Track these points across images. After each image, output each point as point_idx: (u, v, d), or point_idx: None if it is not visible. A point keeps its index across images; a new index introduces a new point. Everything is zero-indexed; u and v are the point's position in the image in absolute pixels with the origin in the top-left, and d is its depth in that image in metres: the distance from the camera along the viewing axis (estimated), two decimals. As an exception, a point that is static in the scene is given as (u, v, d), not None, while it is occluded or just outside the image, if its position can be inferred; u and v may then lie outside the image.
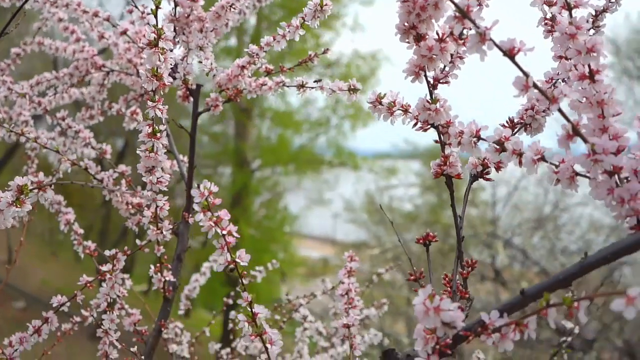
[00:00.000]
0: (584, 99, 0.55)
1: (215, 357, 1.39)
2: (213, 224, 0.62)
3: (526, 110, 0.69)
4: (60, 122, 1.12)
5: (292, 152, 14.14)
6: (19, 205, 0.67)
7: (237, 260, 0.63)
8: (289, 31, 0.88)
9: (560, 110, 0.52)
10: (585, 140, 0.51)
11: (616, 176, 0.53)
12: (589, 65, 0.54)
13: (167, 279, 0.97)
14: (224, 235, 0.62)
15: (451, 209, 0.66)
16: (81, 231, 1.06)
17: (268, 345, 0.64)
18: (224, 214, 0.63)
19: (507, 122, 0.69)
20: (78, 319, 1.11)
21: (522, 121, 0.69)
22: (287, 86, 0.95)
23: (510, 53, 0.51)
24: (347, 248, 1.58)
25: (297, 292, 1.83)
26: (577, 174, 0.54)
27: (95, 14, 1.11)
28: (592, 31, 0.72)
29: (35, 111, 1.18)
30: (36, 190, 0.67)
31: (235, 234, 0.63)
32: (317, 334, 1.38)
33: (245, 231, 10.60)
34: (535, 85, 0.51)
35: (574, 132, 0.52)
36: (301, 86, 0.94)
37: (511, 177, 6.96)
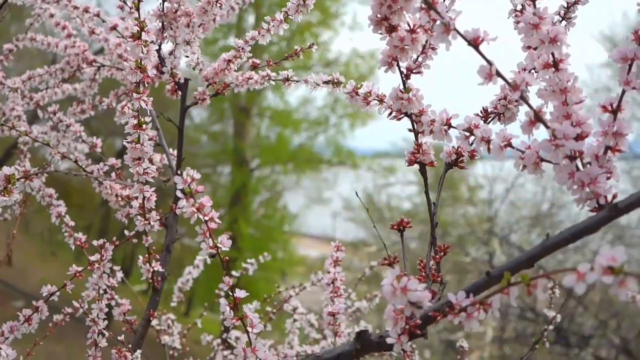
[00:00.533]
0: (549, 87, 0.57)
1: (209, 349, 1.41)
2: (195, 210, 0.64)
3: (499, 100, 0.71)
4: (52, 116, 1.14)
5: (291, 151, 14.16)
6: (6, 194, 0.69)
7: (219, 245, 0.65)
8: (272, 25, 0.90)
9: (522, 98, 0.54)
10: (546, 126, 0.53)
11: (579, 161, 0.55)
12: (553, 54, 0.56)
13: (155, 269, 0.99)
14: (206, 221, 0.65)
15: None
16: (72, 223, 1.08)
17: (249, 329, 0.67)
18: (206, 201, 0.65)
19: (481, 111, 0.71)
20: (69, 309, 1.13)
21: (495, 111, 0.71)
22: (273, 80, 0.97)
23: (474, 43, 0.53)
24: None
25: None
26: (542, 159, 0.56)
27: (86, 10, 1.13)
28: (563, 22, 0.74)
29: (28, 106, 1.20)
30: (23, 180, 0.69)
31: (217, 220, 0.65)
32: (308, 326, 1.40)
33: (245, 230, 10.63)
34: (498, 74, 0.53)
35: (536, 118, 0.54)
36: (286, 80, 0.96)
37: (509, 174, 6.98)
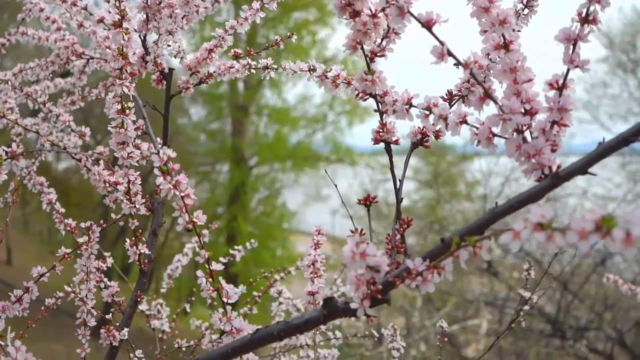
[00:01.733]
0: (500, 67, 0.60)
1: (198, 334, 1.45)
2: (172, 187, 0.68)
3: (463, 82, 0.74)
4: (42, 107, 1.18)
5: (290, 149, 14.18)
6: (-6, 175, 0.73)
7: (195, 220, 0.69)
8: (250, 14, 0.94)
9: (472, 75, 0.57)
10: (495, 102, 0.57)
11: (528, 133, 0.59)
12: (503, 36, 0.60)
13: (142, 251, 1.03)
14: (182, 197, 0.68)
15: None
16: (62, 210, 1.12)
17: (224, 299, 0.70)
18: (182, 178, 0.69)
19: (445, 94, 0.75)
20: (61, 294, 1.17)
21: (459, 93, 0.75)
22: (253, 68, 1.01)
23: (428, 25, 0.57)
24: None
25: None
26: (494, 134, 0.60)
27: (74, 4, 1.16)
28: (526, 10, 0.78)
29: (20, 99, 1.24)
30: (9, 160, 0.73)
31: (193, 197, 0.69)
32: (294, 310, 1.44)
33: (244, 228, 10.67)
34: (449, 53, 0.57)
35: (486, 95, 0.57)
36: (266, 68, 0.99)
37: (504, 169, 7.03)
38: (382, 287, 0.60)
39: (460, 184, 9.93)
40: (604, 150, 0.53)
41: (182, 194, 0.68)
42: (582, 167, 0.53)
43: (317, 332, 1.30)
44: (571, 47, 0.58)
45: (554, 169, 0.56)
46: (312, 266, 1.03)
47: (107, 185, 1.08)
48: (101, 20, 1.13)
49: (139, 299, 1.06)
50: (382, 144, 0.74)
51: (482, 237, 0.50)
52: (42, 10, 1.27)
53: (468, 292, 6.80)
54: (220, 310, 0.70)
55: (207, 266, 0.70)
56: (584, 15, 0.57)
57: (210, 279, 0.70)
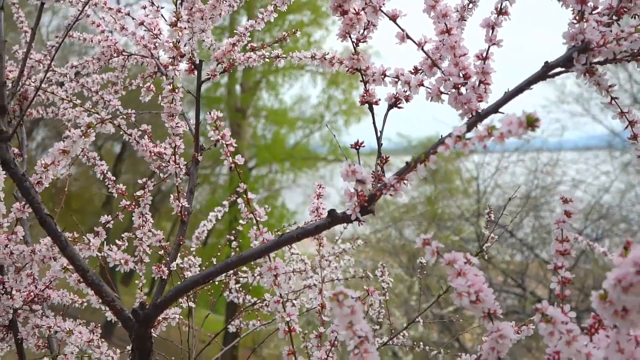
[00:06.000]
0: (443, 45, 0.88)
1: (221, 288, 1.72)
2: (220, 138, 0.96)
3: (426, 59, 1.02)
4: (94, 95, 1.46)
5: (288, 150, 14.42)
6: (86, 136, 1.01)
7: (236, 161, 0.97)
8: (266, 15, 1.22)
9: (423, 50, 0.85)
10: (439, 69, 0.85)
11: (464, 89, 0.87)
12: (446, 25, 0.88)
13: (183, 205, 1.31)
14: (227, 145, 0.96)
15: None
16: (113, 178, 1.39)
17: (258, 218, 0.98)
18: (227, 132, 0.97)
19: (413, 68, 1.03)
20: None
21: (422, 68, 1.03)
22: (267, 58, 1.29)
23: (393, 18, 0.85)
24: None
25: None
26: (441, 92, 0.88)
27: (118, 10, 1.44)
28: (470, 5, 1.06)
29: (75, 89, 1.52)
30: (100, 124, 1.00)
31: (234, 145, 0.97)
32: (302, 264, 1.72)
33: (244, 229, 10.92)
34: (408, 37, 0.85)
35: (433, 64, 0.86)
36: (277, 57, 1.28)
37: (494, 159, 7.33)
38: (367, 197, 0.87)
39: (457, 180, 10.24)
40: (511, 93, 0.81)
41: (227, 143, 0.96)
42: (495, 108, 0.81)
43: (324, 278, 1.58)
44: (490, 30, 0.86)
45: (480, 111, 0.84)
46: (315, 212, 1.31)
47: (152, 154, 1.36)
48: (141, 23, 1.41)
49: (181, 243, 1.33)
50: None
51: (431, 153, 0.78)
52: (88, 16, 1.55)
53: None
54: (254, 227, 0.98)
55: (245, 195, 0.98)
56: (499, 8, 0.86)
57: (247, 204, 0.98)
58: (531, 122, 0.63)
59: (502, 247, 7.22)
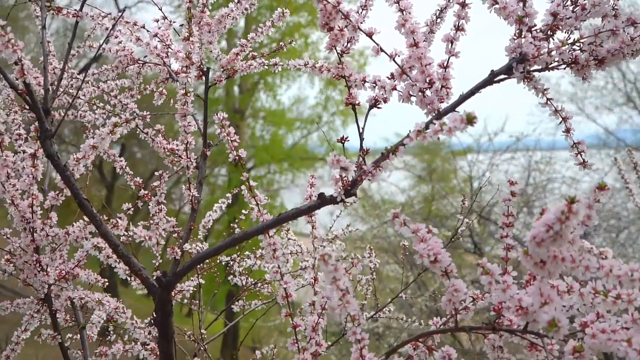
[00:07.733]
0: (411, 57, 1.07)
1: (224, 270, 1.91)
2: (226, 134, 1.14)
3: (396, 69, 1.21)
4: (113, 99, 1.64)
5: (286, 150, 14.59)
6: (113, 134, 1.19)
7: (239, 154, 1.16)
8: (264, 29, 1.41)
9: (395, 62, 1.04)
10: (408, 76, 1.04)
11: (429, 92, 1.06)
12: (413, 39, 1.07)
13: (194, 194, 1.49)
14: (232, 141, 1.15)
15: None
16: (131, 172, 1.58)
17: (258, 201, 1.17)
18: (232, 129, 1.15)
19: (390, 74, 1.22)
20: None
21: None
22: (267, 65, 1.48)
23: (369, 34, 1.04)
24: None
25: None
26: (410, 95, 1.07)
27: (135, 23, 1.63)
28: (438, 20, 1.25)
29: (95, 93, 1.71)
30: (125, 124, 1.19)
31: (238, 140, 1.15)
32: (300, 251, 1.90)
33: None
34: (382, 49, 1.03)
35: (402, 72, 1.05)
36: (275, 64, 1.47)
37: (485, 158, 7.52)
38: (350, 182, 1.06)
39: (454, 180, 10.44)
40: (465, 95, 0.99)
41: (232, 139, 1.15)
42: (452, 107, 1.00)
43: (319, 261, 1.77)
44: (450, 44, 1.05)
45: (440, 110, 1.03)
46: (309, 199, 1.50)
47: (165, 150, 1.55)
48: (155, 35, 1.60)
49: (192, 228, 1.52)
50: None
51: (418, 135, 0.96)
52: (107, 29, 1.74)
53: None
54: (256, 208, 1.17)
55: (247, 182, 1.17)
56: (456, 26, 1.05)
57: (250, 190, 1.17)
58: (470, 119, 0.82)
59: (497, 243, 7.41)
